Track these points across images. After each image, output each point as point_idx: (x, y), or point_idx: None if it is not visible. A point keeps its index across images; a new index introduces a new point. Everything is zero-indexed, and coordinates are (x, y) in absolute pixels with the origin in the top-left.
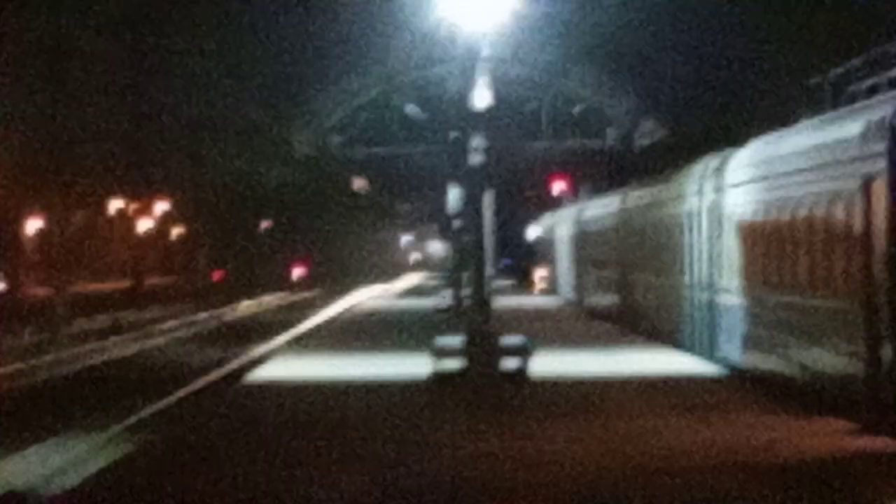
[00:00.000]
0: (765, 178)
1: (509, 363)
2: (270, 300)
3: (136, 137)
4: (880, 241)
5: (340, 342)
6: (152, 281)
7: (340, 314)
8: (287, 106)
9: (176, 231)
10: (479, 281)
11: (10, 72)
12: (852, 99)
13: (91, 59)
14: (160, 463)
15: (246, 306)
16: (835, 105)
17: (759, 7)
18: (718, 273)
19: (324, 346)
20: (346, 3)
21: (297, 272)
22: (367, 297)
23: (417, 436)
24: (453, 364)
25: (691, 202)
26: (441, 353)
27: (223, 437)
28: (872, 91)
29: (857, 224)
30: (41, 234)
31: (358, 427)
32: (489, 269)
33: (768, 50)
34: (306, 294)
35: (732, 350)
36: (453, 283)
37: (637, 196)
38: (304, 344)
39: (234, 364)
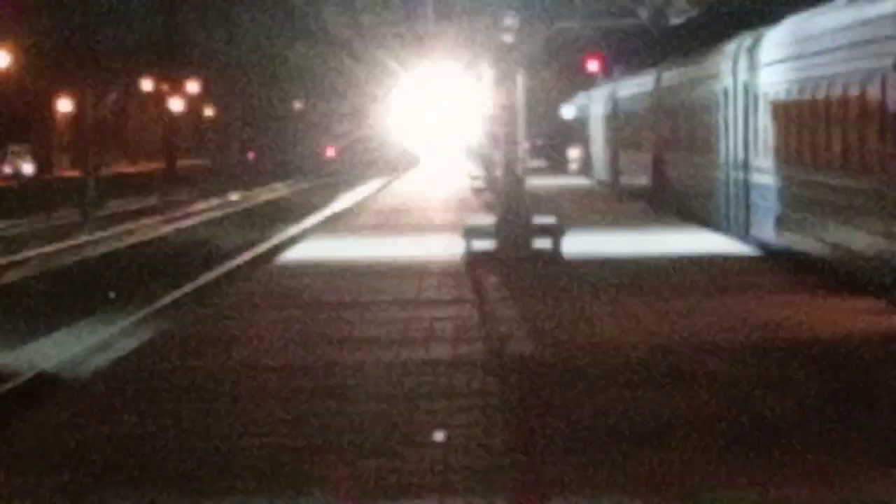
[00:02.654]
0: (799, 56)
1: (542, 243)
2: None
3: (167, 17)
4: None
5: (373, 224)
6: (184, 162)
7: (373, 195)
8: None
9: (208, 112)
10: (511, 161)
11: None
12: None
13: None
14: (187, 344)
15: (278, 188)
16: None
17: None
18: (753, 152)
19: (356, 228)
20: None
21: (330, 153)
22: (404, 178)
23: (457, 292)
24: (485, 244)
25: (725, 81)
26: (472, 233)
27: (251, 318)
28: None
29: (892, 102)
30: (72, 115)
31: (388, 305)
32: (522, 150)
33: None
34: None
35: (766, 230)
36: (486, 163)
37: (670, 75)
38: (337, 225)
39: (266, 245)
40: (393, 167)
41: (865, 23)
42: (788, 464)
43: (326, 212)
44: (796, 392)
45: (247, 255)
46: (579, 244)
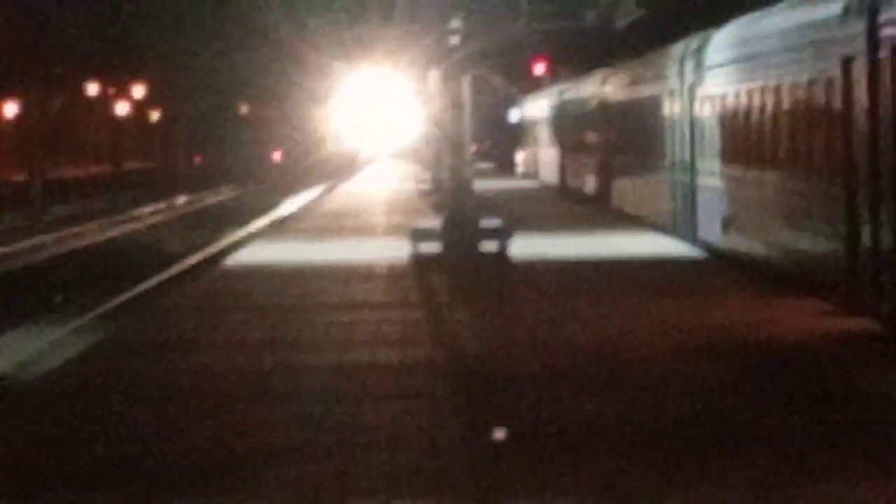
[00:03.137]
0: (745, 58)
1: (489, 246)
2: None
3: (114, 20)
4: (860, 122)
5: (319, 227)
6: (131, 166)
7: (318, 198)
8: None
9: (154, 115)
10: (458, 164)
11: None
12: None
13: None
14: (133, 348)
15: (224, 192)
16: None
17: None
18: (699, 155)
19: (303, 231)
20: None
21: (276, 157)
22: (349, 183)
23: (400, 294)
24: (431, 247)
25: (672, 83)
26: (418, 236)
27: (197, 322)
28: None
29: (837, 105)
30: (18, 118)
31: (334, 308)
32: (468, 152)
33: None
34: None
35: (713, 233)
36: (433, 166)
37: (617, 78)
38: (284, 229)
39: (212, 248)
40: (338, 170)
41: (811, 25)
42: (738, 466)
43: (273, 215)
44: (749, 394)
45: (192, 259)
46: (526, 247)
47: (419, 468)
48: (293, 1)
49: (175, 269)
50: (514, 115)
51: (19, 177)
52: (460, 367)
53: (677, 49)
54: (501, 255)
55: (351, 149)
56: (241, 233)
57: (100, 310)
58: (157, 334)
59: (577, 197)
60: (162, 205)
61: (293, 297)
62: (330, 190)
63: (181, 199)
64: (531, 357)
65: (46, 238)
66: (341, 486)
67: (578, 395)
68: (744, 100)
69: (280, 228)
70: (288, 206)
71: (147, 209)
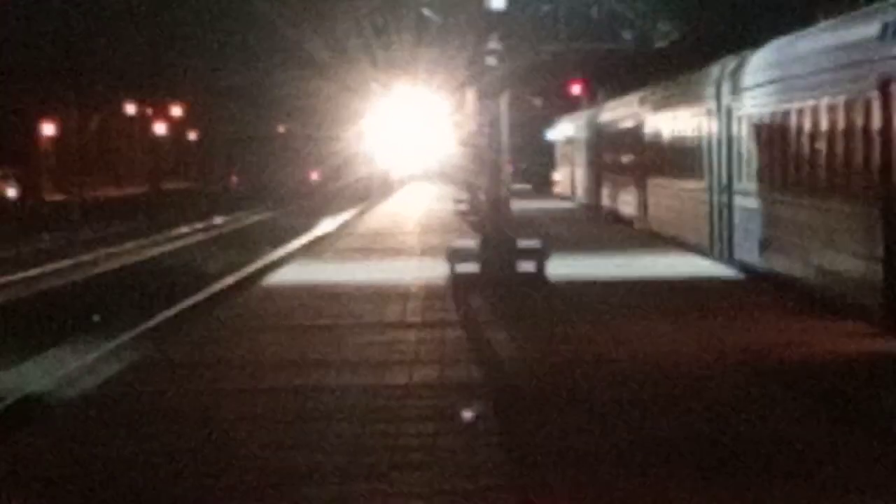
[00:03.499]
0: (782, 79)
1: (526, 266)
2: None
3: (152, 41)
4: None
5: (356, 247)
6: (169, 185)
7: (355, 218)
8: (300, 10)
9: (192, 135)
10: (495, 184)
11: None
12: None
13: None
14: (174, 367)
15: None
16: (853, 6)
17: None
18: (737, 176)
19: (341, 251)
20: None
21: (314, 177)
22: (385, 203)
23: (441, 314)
24: (469, 267)
25: (709, 104)
26: (456, 256)
27: (237, 341)
28: None
29: (875, 125)
30: (57, 138)
31: (372, 328)
32: (506, 173)
33: None
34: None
35: (750, 254)
36: (470, 187)
37: (654, 99)
38: (322, 249)
39: (250, 268)
40: (374, 190)
41: (848, 45)
42: (780, 487)
43: (311, 235)
44: (791, 417)
45: (230, 280)
46: (564, 267)
47: (458, 489)
48: (330, 23)
49: (213, 289)
50: (551, 135)
51: (57, 196)
52: (502, 387)
53: (714, 70)
54: (539, 274)
55: (385, 169)
56: (279, 253)
57: (137, 330)
58: (195, 354)
59: (614, 218)
60: (199, 225)
61: (331, 317)
62: (367, 210)
63: (219, 220)
64: (571, 377)
65: (85, 258)
66: None
67: (625, 412)
68: (780, 120)
69: (318, 248)
70: (326, 226)
71: (185, 229)
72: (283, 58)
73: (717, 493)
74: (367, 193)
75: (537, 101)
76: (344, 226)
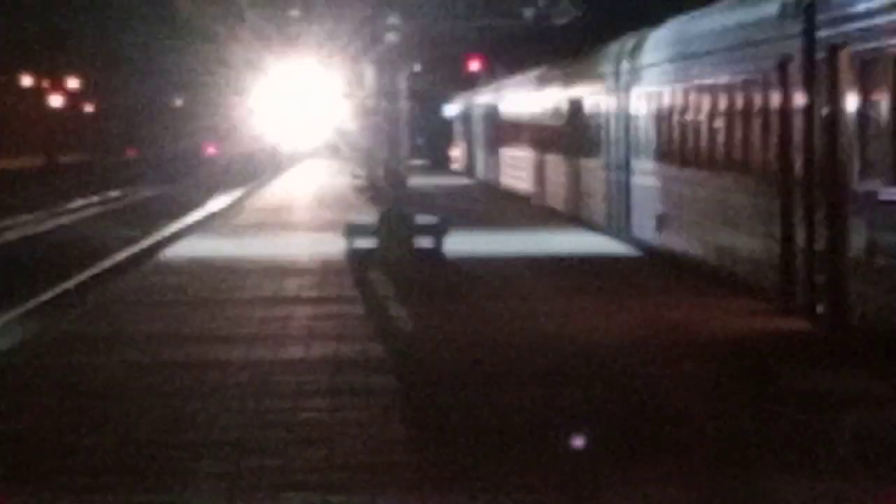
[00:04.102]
0: (681, 57)
1: (424, 242)
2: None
3: (49, 12)
4: (796, 123)
5: (253, 222)
6: (65, 159)
7: (251, 193)
8: None
9: (88, 108)
10: (393, 159)
11: None
12: None
13: None
14: (67, 342)
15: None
16: None
17: None
18: (634, 154)
19: (237, 226)
20: None
21: (210, 151)
22: (281, 177)
23: (337, 290)
24: (366, 243)
25: (608, 82)
26: (353, 231)
27: (132, 315)
28: None
29: (774, 105)
30: None
31: (270, 303)
32: (404, 148)
33: None
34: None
35: (647, 231)
36: (368, 161)
37: (553, 76)
38: (218, 223)
39: (146, 242)
40: (271, 164)
41: (748, 24)
42: (677, 462)
43: (207, 209)
44: (691, 391)
45: (126, 253)
46: (462, 243)
47: (354, 463)
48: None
49: (108, 263)
50: (448, 112)
51: None
52: (396, 363)
53: (613, 48)
54: (437, 251)
55: (279, 143)
56: (175, 227)
57: (32, 303)
58: (90, 328)
59: (513, 194)
60: (95, 198)
61: (228, 292)
62: (262, 184)
63: (115, 193)
64: (466, 353)
65: None
66: (278, 479)
67: (520, 388)
68: (679, 99)
69: (214, 223)
70: (222, 201)
71: (80, 202)
72: (177, 29)
73: (627, 464)
74: (262, 168)
75: (428, 75)
76: (240, 200)
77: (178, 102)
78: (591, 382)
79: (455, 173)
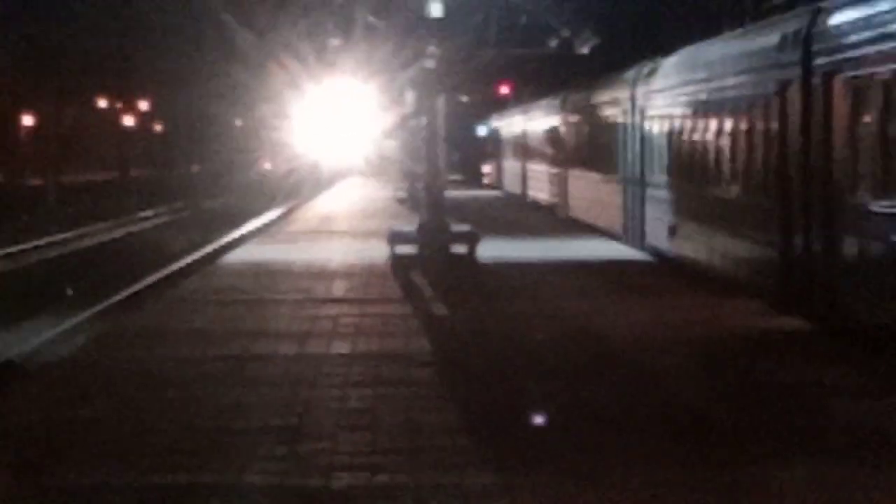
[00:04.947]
0: (691, 82)
1: (459, 248)
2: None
3: (121, 40)
4: (794, 141)
5: (306, 230)
6: (136, 173)
7: (303, 204)
8: (251, 14)
9: (157, 127)
10: (432, 174)
11: None
12: (768, 13)
13: None
14: (136, 336)
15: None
16: (755, 18)
17: None
18: (648, 170)
19: (291, 234)
20: None
21: (265, 166)
22: (330, 191)
23: (380, 291)
24: (407, 249)
25: (625, 105)
26: (396, 238)
27: (197, 313)
28: (789, 7)
29: (774, 126)
30: (34, 128)
31: (321, 303)
32: (441, 164)
33: None
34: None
35: (659, 240)
36: (409, 176)
37: (575, 100)
38: (274, 231)
39: (208, 248)
40: (322, 179)
41: (751, 53)
42: (685, 450)
43: (265, 218)
44: (697, 384)
45: (191, 258)
46: (493, 250)
47: (398, 448)
48: (278, 24)
49: (175, 267)
50: (481, 131)
51: (35, 181)
52: (437, 357)
53: (629, 74)
54: (471, 256)
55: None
56: (235, 234)
57: (106, 303)
58: (159, 324)
59: (538, 206)
60: (163, 209)
61: (282, 292)
62: (315, 196)
63: (180, 204)
64: (502, 349)
65: (59, 237)
66: (328, 461)
67: (549, 380)
68: (689, 120)
69: (270, 230)
70: (276, 211)
71: (149, 212)
72: (236, 57)
73: (645, 451)
74: (313, 182)
75: (464, 99)
76: (292, 210)
77: (238, 123)
78: (610, 376)
79: (486, 187)
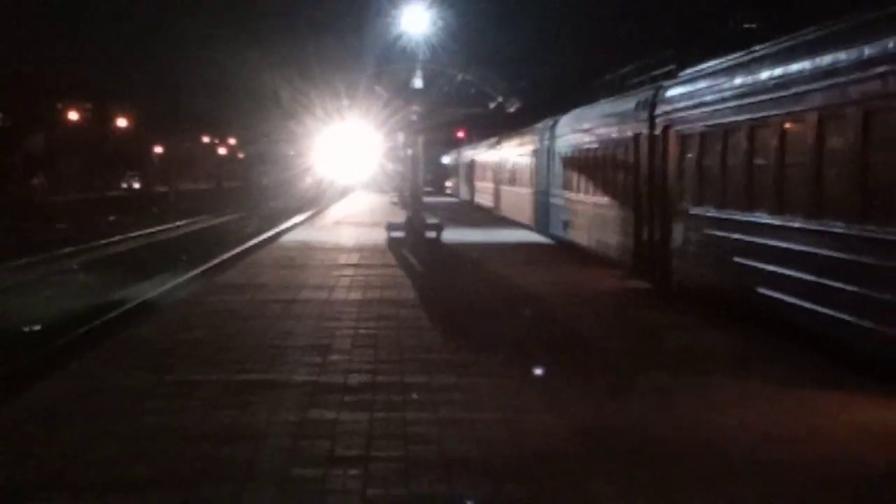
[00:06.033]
0: (578, 131)
1: (430, 234)
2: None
3: (217, 101)
4: (642, 169)
5: (333, 222)
6: (227, 184)
7: (329, 207)
8: (296, 81)
9: (240, 155)
10: (414, 187)
11: (130, 50)
12: (630, 87)
13: (192, 60)
14: (225, 287)
15: (277, 200)
16: (620, 90)
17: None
18: (552, 185)
19: (321, 225)
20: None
21: (308, 181)
22: (346, 200)
23: (380, 260)
24: (398, 233)
25: (536, 144)
26: (391, 227)
27: (263, 273)
28: (640, 84)
29: (630, 160)
30: (162, 155)
31: (344, 266)
32: (420, 181)
33: (585, 58)
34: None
35: (557, 230)
36: (399, 188)
37: (505, 140)
38: (311, 223)
39: (270, 233)
40: (339, 194)
41: (617, 113)
42: (573, 360)
43: (306, 214)
44: (585, 320)
45: (258, 238)
46: (452, 235)
47: (392, 358)
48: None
49: (248, 244)
50: (445, 160)
51: (162, 188)
52: (422, 302)
53: (539, 125)
54: (437, 239)
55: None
56: (287, 224)
57: (204, 266)
58: (239, 279)
59: (481, 208)
60: (242, 207)
61: (317, 260)
62: (335, 204)
63: (252, 205)
64: (462, 297)
65: (177, 223)
66: (346, 367)
67: (499, 319)
68: (577, 155)
69: (311, 222)
70: (311, 211)
71: (234, 209)
72: (284, 111)
73: (546, 361)
74: (336, 194)
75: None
76: (322, 210)
77: (291, 152)
78: (524, 314)
79: (448, 195)
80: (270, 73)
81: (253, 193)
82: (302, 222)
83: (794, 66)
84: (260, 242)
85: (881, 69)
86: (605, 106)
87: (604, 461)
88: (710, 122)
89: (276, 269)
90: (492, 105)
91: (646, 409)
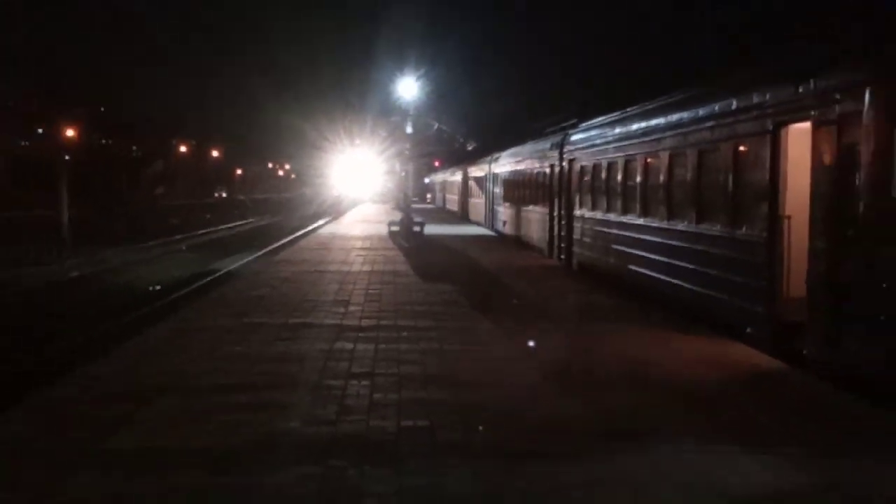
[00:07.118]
0: (512, 162)
1: (417, 228)
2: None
3: (277, 137)
4: (555, 188)
5: (347, 221)
6: (275, 196)
7: (344, 214)
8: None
9: (292, 175)
10: (406, 199)
11: (220, 98)
12: (547, 133)
13: (261, 110)
14: (275, 261)
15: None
16: (541, 135)
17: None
18: (496, 198)
19: (341, 223)
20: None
21: (334, 192)
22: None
23: (383, 245)
24: (396, 228)
25: (486, 171)
26: (391, 224)
27: (297, 254)
28: (555, 130)
29: (546, 182)
30: (240, 175)
31: (355, 249)
32: (409, 195)
33: (521, 109)
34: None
35: (500, 227)
36: (396, 199)
37: (466, 167)
38: (334, 221)
39: (304, 230)
40: (349, 205)
41: (540, 150)
42: (518, 314)
43: (329, 217)
44: (516, 282)
45: (295, 234)
46: (431, 229)
47: (392, 309)
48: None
49: (293, 236)
50: (427, 180)
51: (241, 197)
52: (409, 272)
53: (488, 157)
54: (421, 232)
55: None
56: (316, 223)
57: (264, 249)
58: (282, 258)
59: (452, 212)
60: (280, 213)
61: (338, 246)
62: (347, 211)
63: (297, 210)
64: (444, 272)
65: (251, 219)
66: (360, 315)
67: (480, 286)
68: (512, 178)
69: (335, 221)
70: (334, 214)
71: (274, 213)
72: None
73: (498, 316)
74: (350, 204)
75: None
76: (340, 214)
77: (321, 174)
78: (481, 282)
79: (429, 204)
80: (304, 120)
81: (300, 201)
82: (329, 221)
83: (652, 122)
84: (303, 234)
85: (709, 124)
86: (530, 146)
87: (536, 367)
88: (597, 158)
89: (311, 251)
90: (457, 144)
91: (560, 339)
